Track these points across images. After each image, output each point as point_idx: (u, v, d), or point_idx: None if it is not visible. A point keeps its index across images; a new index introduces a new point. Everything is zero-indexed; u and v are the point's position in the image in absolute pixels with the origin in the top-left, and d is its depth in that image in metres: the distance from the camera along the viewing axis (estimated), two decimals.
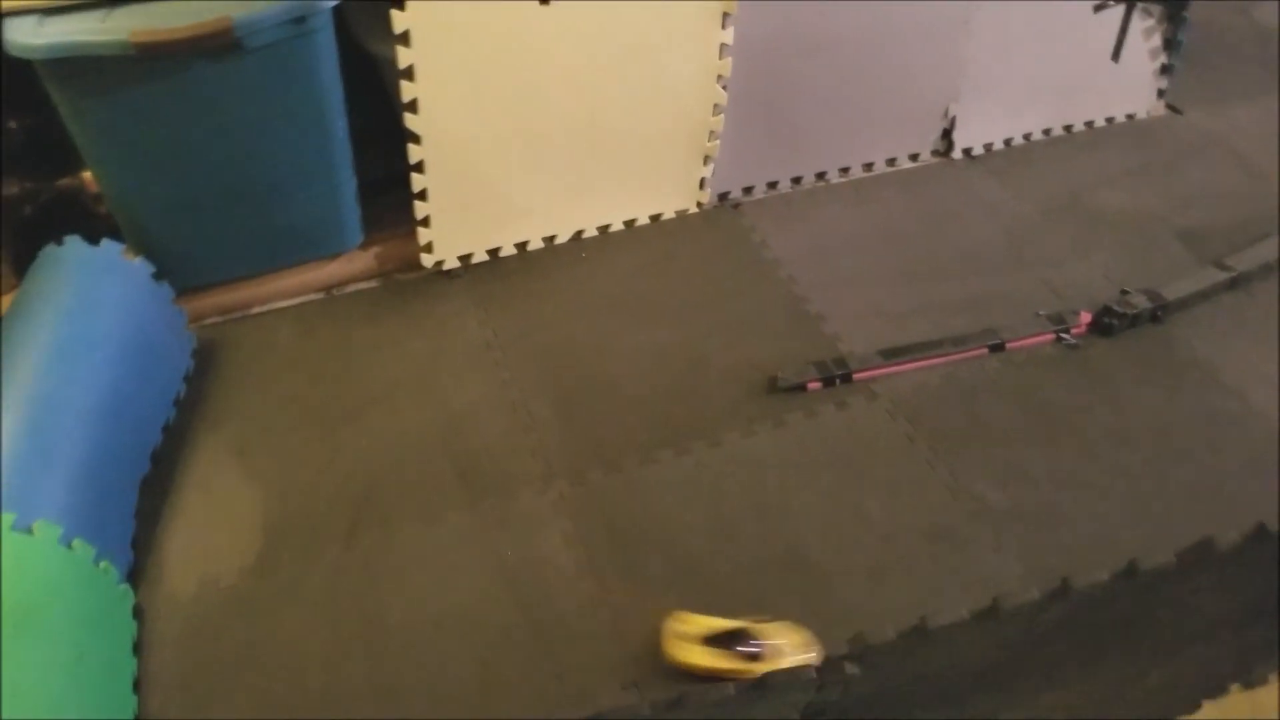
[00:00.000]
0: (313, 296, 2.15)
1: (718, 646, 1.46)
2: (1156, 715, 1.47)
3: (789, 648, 1.47)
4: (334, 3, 1.77)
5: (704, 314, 2.13)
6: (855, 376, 1.96)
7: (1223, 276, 2.18)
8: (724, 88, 2.19)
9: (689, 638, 1.48)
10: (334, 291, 2.17)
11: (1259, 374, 2.00)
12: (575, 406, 1.92)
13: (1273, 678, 1.51)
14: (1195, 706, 1.49)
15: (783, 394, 1.94)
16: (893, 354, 1.99)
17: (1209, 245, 2.33)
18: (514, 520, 1.71)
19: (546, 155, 2.11)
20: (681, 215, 2.37)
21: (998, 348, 2.03)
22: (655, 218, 2.35)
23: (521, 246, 2.25)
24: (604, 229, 2.31)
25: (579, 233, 2.30)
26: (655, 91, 2.12)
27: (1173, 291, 2.14)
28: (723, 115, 2.23)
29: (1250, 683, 1.50)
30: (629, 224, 2.34)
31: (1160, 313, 2.11)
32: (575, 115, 2.07)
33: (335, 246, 2.15)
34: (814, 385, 1.94)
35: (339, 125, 1.95)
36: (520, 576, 1.63)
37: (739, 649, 1.46)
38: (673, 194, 2.33)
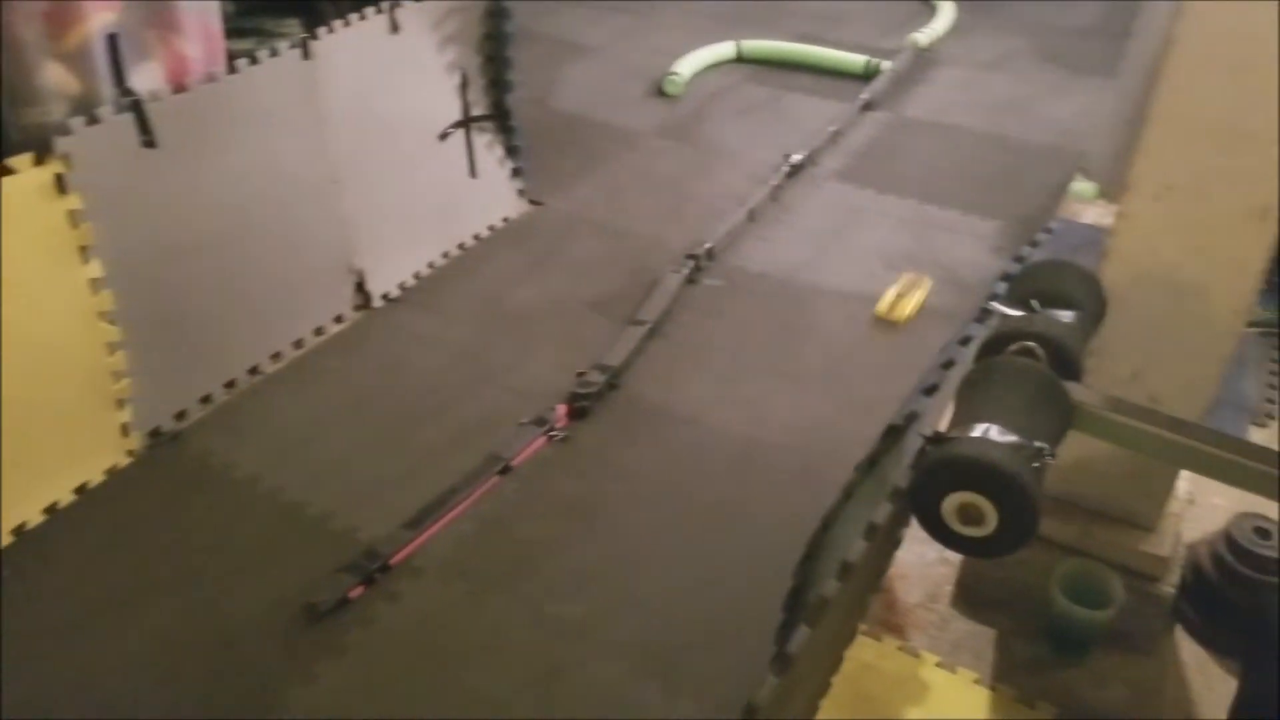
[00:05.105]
0: None
1: None
2: None
3: None
4: None
5: (200, 579, 1.84)
6: (392, 562, 1.84)
7: (643, 330, 2.47)
8: (112, 322, 1.91)
9: None
10: None
11: (702, 401, 2.30)
12: None
13: None
14: None
15: (329, 617, 1.75)
16: (416, 521, 1.90)
17: (615, 307, 2.62)
18: None
19: None
20: (114, 472, 2.02)
21: (505, 470, 2.06)
22: (81, 489, 1.96)
23: None
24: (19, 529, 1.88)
25: None
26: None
27: (615, 358, 2.36)
28: (123, 351, 1.94)
29: None
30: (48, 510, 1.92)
31: (615, 380, 2.32)
32: None
33: None
34: (356, 592, 1.78)
35: None
36: None
37: None
38: (71, 460, 1.96)
